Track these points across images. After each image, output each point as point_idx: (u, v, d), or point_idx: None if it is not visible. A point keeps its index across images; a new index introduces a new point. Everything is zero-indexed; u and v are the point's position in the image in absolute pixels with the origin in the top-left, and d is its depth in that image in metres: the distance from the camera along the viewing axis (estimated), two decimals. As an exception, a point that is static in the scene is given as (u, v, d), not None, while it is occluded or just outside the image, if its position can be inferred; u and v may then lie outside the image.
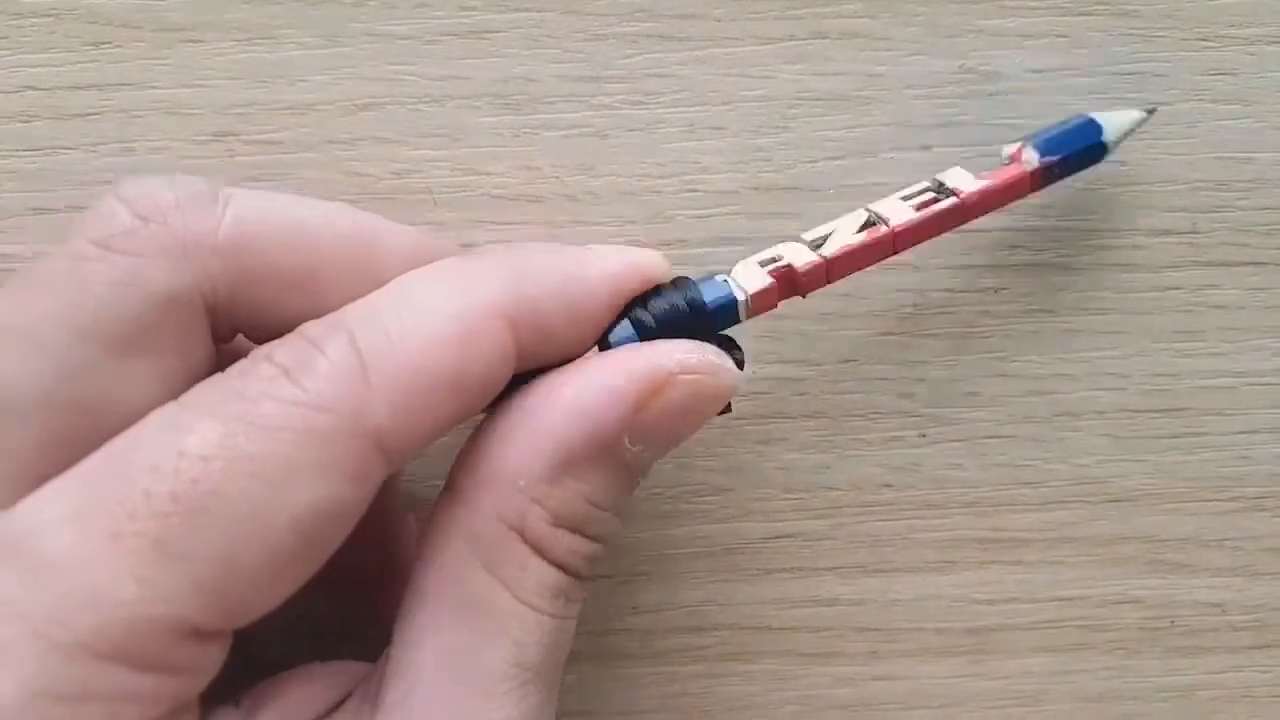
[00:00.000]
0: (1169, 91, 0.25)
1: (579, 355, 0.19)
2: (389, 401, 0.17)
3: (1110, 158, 0.24)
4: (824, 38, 0.24)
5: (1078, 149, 0.23)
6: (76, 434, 0.17)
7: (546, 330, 0.19)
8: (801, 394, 0.25)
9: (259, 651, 0.18)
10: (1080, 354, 0.25)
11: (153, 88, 0.24)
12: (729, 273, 0.21)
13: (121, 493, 0.16)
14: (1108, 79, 0.24)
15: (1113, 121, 0.23)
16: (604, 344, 0.20)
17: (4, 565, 0.16)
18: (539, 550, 0.19)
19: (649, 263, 0.20)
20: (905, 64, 0.25)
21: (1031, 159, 0.23)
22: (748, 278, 0.21)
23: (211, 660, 0.17)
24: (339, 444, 0.17)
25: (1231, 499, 0.25)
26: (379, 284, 0.18)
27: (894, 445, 0.25)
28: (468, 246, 0.24)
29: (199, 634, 0.16)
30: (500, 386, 0.18)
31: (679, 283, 0.20)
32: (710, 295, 0.20)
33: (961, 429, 0.25)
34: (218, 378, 0.17)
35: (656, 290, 0.20)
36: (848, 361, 0.25)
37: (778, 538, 0.25)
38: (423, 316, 0.18)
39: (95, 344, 0.17)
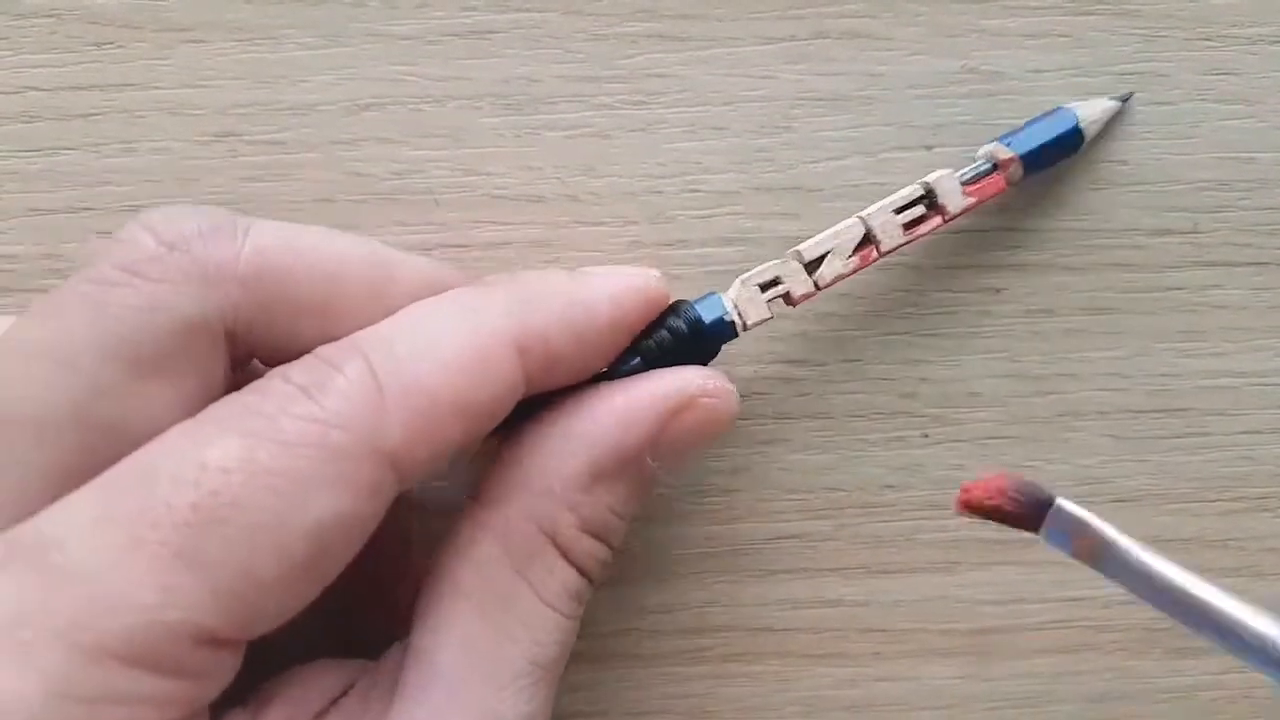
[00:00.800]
0: (1171, 91, 0.25)
1: (582, 378, 0.20)
2: (402, 422, 0.18)
3: (1110, 155, 0.24)
4: (825, 38, 0.24)
5: (1052, 142, 0.24)
6: (97, 451, 0.18)
7: (552, 355, 0.20)
8: (804, 395, 0.25)
9: (262, 651, 0.18)
10: (1082, 354, 0.25)
11: (155, 88, 0.24)
12: (727, 290, 0.22)
13: (143, 503, 0.16)
14: (1110, 79, 0.24)
15: (1085, 111, 0.24)
16: (614, 374, 0.21)
17: (27, 571, 0.16)
18: (565, 554, 0.20)
19: (646, 282, 0.21)
20: (907, 64, 0.25)
21: (1015, 170, 0.23)
22: (745, 302, 0.22)
23: (226, 667, 0.17)
24: (354, 461, 0.17)
25: (1234, 499, 0.25)
26: (391, 312, 0.19)
27: (897, 446, 0.25)
28: (464, 248, 0.25)
29: (215, 641, 0.17)
30: (507, 411, 0.19)
31: (677, 307, 0.22)
32: (708, 316, 0.21)
33: (964, 429, 0.25)
34: (236, 395, 0.18)
35: (659, 318, 0.21)
36: (850, 362, 0.25)
37: (781, 539, 0.25)
38: (435, 342, 0.18)
39: (119, 365, 0.18)
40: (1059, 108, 0.24)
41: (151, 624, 0.16)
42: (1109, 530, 0.17)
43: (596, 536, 0.20)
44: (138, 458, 0.17)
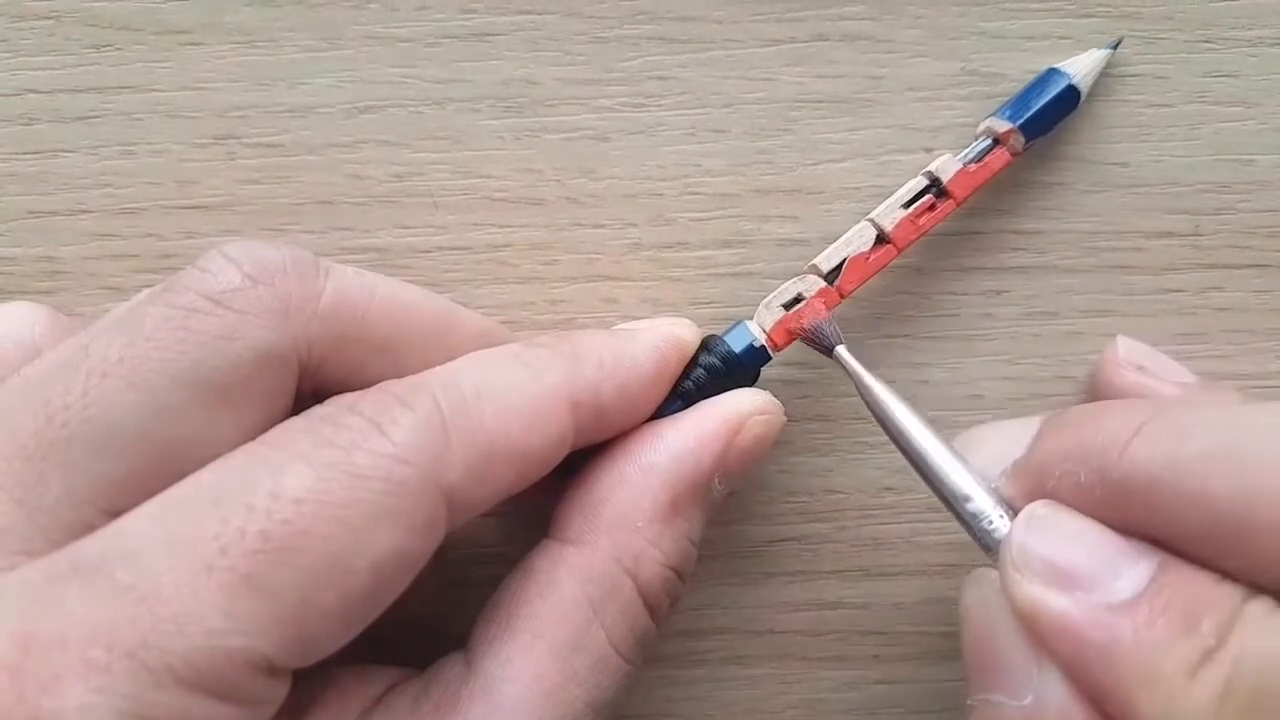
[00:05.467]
0: (1171, 93, 0.25)
1: (627, 429, 0.21)
2: (464, 461, 0.18)
3: (1111, 158, 0.23)
4: (825, 40, 0.24)
5: (1049, 104, 0.24)
6: (157, 470, 0.18)
7: (601, 409, 0.21)
8: (804, 396, 0.25)
9: None
10: (1083, 356, 0.25)
11: (153, 90, 0.24)
12: (753, 316, 0.23)
13: (216, 528, 0.17)
14: (1110, 81, 0.24)
15: (1076, 67, 0.24)
16: (659, 418, 0.22)
17: (96, 588, 0.16)
18: (644, 593, 0.21)
19: (681, 334, 0.22)
20: (907, 66, 0.24)
21: (1016, 140, 0.23)
22: (772, 323, 0.23)
23: (279, 694, 0.18)
24: (417, 496, 0.18)
25: (1235, 502, 0.25)
26: (451, 359, 0.20)
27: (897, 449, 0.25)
28: (464, 250, 0.24)
29: (272, 669, 0.17)
30: (557, 461, 0.20)
31: (708, 343, 0.23)
32: (739, 346, 0.23)
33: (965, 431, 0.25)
34: (302, 423, 0.18)
35: (693, 359, 0.22)
36: (850, 364, 0.25)
37: (781, 541, 0.25)
38: (497, 390, 0.19)
39: (192, 390, 0.18)
40: (1050, 69, 0.24)
41: (216, 649, 0.16)
42: (868, 378, 0.21)
43: (675, 570, 0.21)
44: (205, 479, 0.18)
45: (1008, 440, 0.20)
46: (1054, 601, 0.18)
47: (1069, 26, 0.24)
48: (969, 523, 0.20)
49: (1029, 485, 0.20)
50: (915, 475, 0.21)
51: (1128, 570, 0.18)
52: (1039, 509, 0.19)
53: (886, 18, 0.24)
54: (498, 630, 0.20)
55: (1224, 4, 0.24)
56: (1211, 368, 0.25)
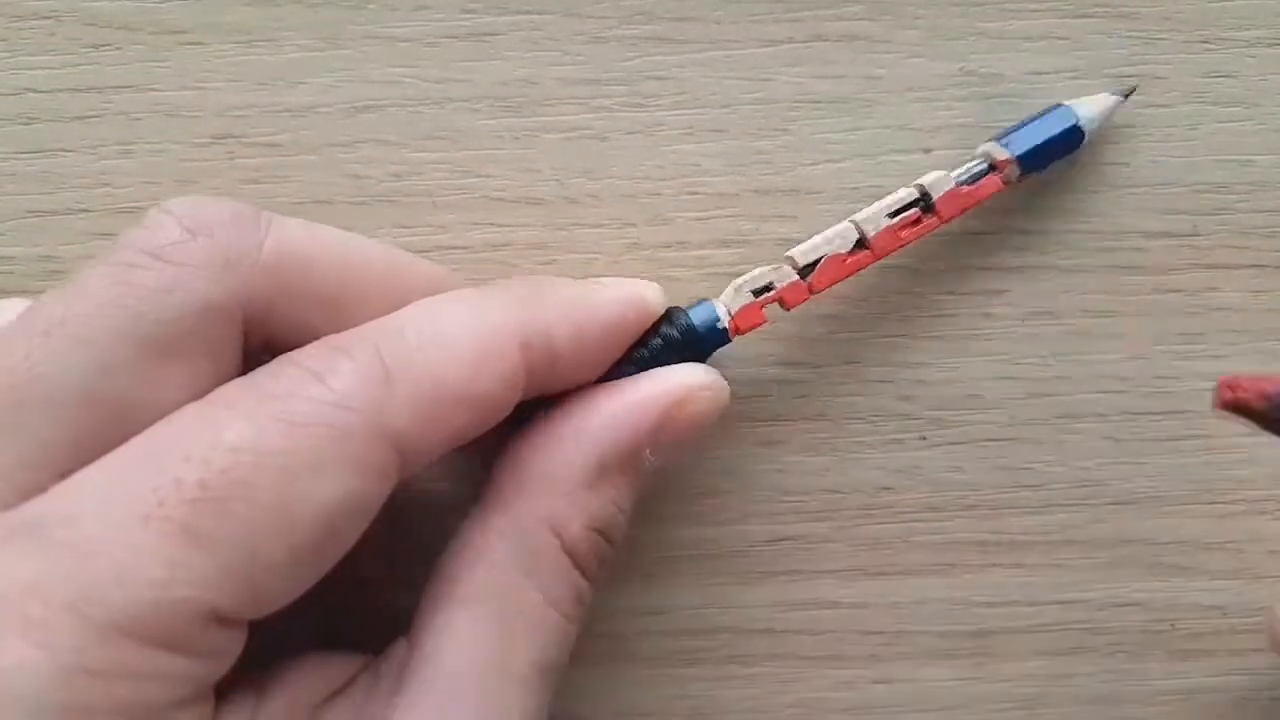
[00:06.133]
0: (1169, 94, 0.25)
1: (580, 382, 0.21)
2: (409, 406, 0.18)
3: (1109, 158, 0.23)
4: (824, 40, 0.24)
5: (1051, 142, 0.23)
6: (106, 429, 0.18)
7: (553, 353, 0.20)
8: (802, 396, 0.25)
9: (262, 638, 0.19)
10: (1081, 356, 0.25)
11: (153, 90, 0.24)
12: (720, 296, 0.22)
13: (153, 480, 0.17)
14: (1109, 81, 0.24)
15: (1085, 110, 0.24)
16: (609, 381, 0.21)
17: (38, 546, 0.16)
18: (572, 554, 0.20)
19: (647, 295, 0.22)
20: (905, 67, 0.24)
21: (1011, 171, 0.23)
22: (737, 308, 0.22)
23: (232, 647, 0.18)
24: (362, 442, 0.18)
25: (1233, 502, 0.25)
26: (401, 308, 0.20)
27: (895, 448, 0.25)
28: (463, 249, 0.25)
29: (222, 620, 0.17)
30: (509, 407, 0.20)
31: (670, 314, 0.22)
32: (700, 322, 0.22)
33: (962, 431, 0.25)
34: (247, 378, 0.18)
35: (653, 326, 0.22)
36: (848, 364, 0.25)
37: (778, 541, 0.25)
38: (443, 332, 0.19)
39: (135, 345, 0.18)
40: (1058, 104, 0.24)
41: (160, 600, 0.16)
42: None
43: (601, 533, 0.21)
44: (147, 436, 0.18)
45: None
46: None
47: (1067, 27, 0.24)
48: None
49: None
50: None
51: None
52: None
53: (885, 18, 0.24)
54: (433, 603, 0.20)
55: (1222, 4, 0.24)
56: (1210, 368, 0.25)
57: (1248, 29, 0.24)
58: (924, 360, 0.25)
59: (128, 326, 0.18)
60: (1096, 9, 0.24)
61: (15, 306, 0.21)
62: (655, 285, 0.22)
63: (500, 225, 0.25)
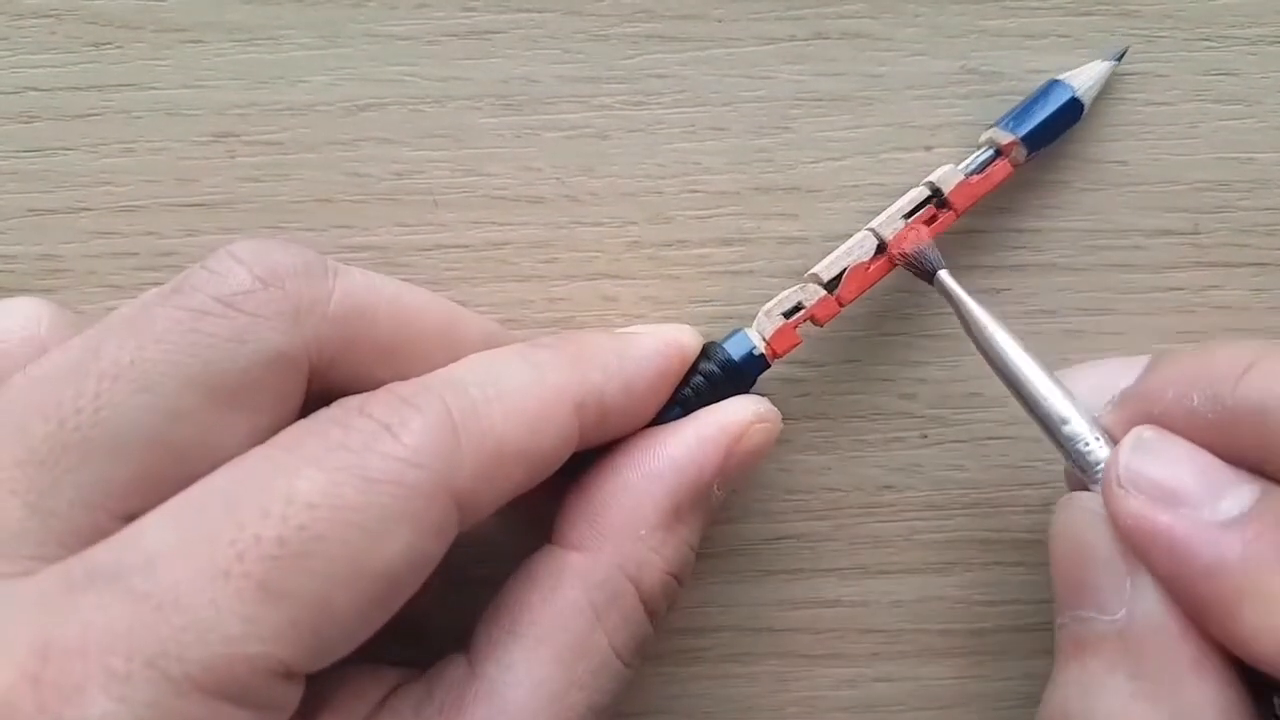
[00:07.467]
0: (1170, 92, 0.25)
1: (629, 431, 0.22)
2: (473, 465, 0.18)
3: (1110, 156, 0.23)
4: (825, 38, 0.24)
5: (1052, 117, 0.24)
6: (168, 472, 0.18)
7: (605, 412, 0.21)
8: (803, 395, 0.25)
9: None
10: (1082, 355, 0.25)
11: (153, 88, 0.24)
12: (753, 324, 0.23)
13: (232, 533, 0.17)
14: (1109, 79, 0.24)
15: (1080, 80, 0.24)
16: (659, 424, 0.22)
17: (117, 597, 0.16)
18: (645, 600, 0.21)
19: (684, 340, 0.22)
20: (906, 64, 0.24)
21: (1018, 152, 0.23)
22: (771, 332, 0.23)
23: (294, 699, 0.18)
24: (429, 500, 0.18)
25: (1234, 500, 0.25)
26: (455, 360, 0.20)
27: (896, 446, 0.25)
28: (464, 248, 0.25)
29: (289, 673, 0.17)
30: (561, 463, 0.20)
31: (708, 350, 0.23)
32: (737, 354, 0.23)
33: (963, 430, 0.25)
34: (312, 422, 0.19)
35: (692, 366, 0.22)
36: (849, 362, 0.25)
37: (779, 539, 0.25)
38: (505, 392, 0.19)
39: (204, 394, 0.18)
40: (1052, 81, 0.24)
41: (234, 655, 0.16)
42: (970, 303, 0.22)
43: (676, 576, 0.21)
44: (218, 483, 0.18)
45: (1108, 374, 0.21)
46: (1159, 517, 0.19)
47: (1069, 25, 0.24)
48: (1065, 446, 0.21)
49: (1136, 410, 0.20)
50: (1016, 403, 0.21)
51: (1233, 492, 0.19)
52: (1146, 432, 0.20)
53: (886, 16, 0.24)
54: (501, 634, 0.20)
55: (1223, 2, 0.24)
56: (1210, 366, 0.25)
57: (1249, 26, 0.24)
58: (925, 359, 0.25)
59: (197, 375, 0.18)
60: (1098, 7, 0.24)
61: (19, 306, 0.21)
62: (688, 327, 0.23)
63: (501, 223, 0.25)
